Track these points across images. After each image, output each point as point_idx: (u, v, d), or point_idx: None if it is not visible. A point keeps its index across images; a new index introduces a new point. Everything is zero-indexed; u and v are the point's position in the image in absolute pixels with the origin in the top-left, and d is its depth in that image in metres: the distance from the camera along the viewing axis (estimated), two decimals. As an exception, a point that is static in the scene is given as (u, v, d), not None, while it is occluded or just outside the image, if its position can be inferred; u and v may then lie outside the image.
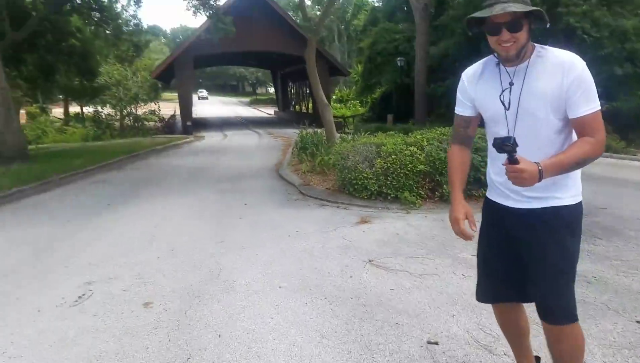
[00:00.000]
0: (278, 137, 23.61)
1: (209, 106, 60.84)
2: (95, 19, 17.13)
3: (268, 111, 54.08)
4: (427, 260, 4.67)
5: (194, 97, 67.29)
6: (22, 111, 35.20)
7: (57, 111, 34.22)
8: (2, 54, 13.00)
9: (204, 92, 75.58)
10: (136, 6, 22.85)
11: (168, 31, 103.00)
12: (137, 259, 4.97)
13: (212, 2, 16.11)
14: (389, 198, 7.06)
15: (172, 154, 16.93)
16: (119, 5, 24.14)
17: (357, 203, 7.14)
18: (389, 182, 7.03)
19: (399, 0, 31.55)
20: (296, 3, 21.97)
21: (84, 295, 4.09)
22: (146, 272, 4.56)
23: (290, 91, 45.51)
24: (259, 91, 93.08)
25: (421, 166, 6.99)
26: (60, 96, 31.53)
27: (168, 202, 8.01)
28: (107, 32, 18.66)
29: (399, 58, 25.49)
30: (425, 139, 7.48)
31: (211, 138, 24.59)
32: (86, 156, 13.79)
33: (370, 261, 4.69)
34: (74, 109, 35.96)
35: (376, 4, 40.86)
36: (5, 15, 13.17)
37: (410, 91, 23.77)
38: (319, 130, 12.71)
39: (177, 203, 7.91)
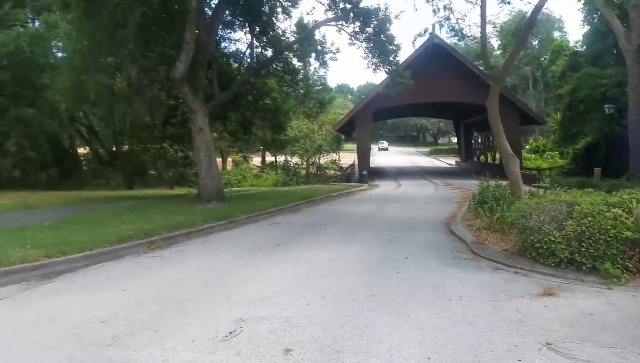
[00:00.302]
0: (456, 188, 22.51)
1: (387, 156, 62.30)
2: (287, 80, 19.28)
3: (449, 161, 52.73)
4: (631, 353, 3.52)
5: (374, 148, 70.28)
6: (229, 159, 41.67)
7: (257, 160, 39.23)
8: (210, 112, 15.40)
9: (384, 144, 77.64)
10: (324, 69, 25.19)
11: (355, 88, 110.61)
12: (290, 302, 4.95)
13: (391, 59, 16.59)
14: (584, 268, 5.76)
15: (344, 201, 17.44)
16: (311, 68, 26.90)
17: (540, 270, 6.02)
18: (584, 249, 5.76)
19: (605, 44, 28.15)
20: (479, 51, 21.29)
21: (234, 331, 4.17)
22: (294, 316, 4.49)
23: (475, 140, 43.70)
24: (440, 140, 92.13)
25: (628, 233, 5.58)
26: (260, 147, 36.11)
27: (330, 248, 8.03)
28: (299, 91, 20.75)
29: (607, 105, 22.30)
30: (635, 200, 6.02)
31: (385, 187, 24.77)
32: (271, 199, 15.12)
33: (548, 344, 3.75)
34: (270, 158, 40.80)
35: (577, 49, 37.00)
36: (215, 81, 15.71)
37: (623, 142, 20.29)
38: (504, 183, 11.55)
39: (338, 250, 7.86)
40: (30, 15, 23.29)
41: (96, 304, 4.95)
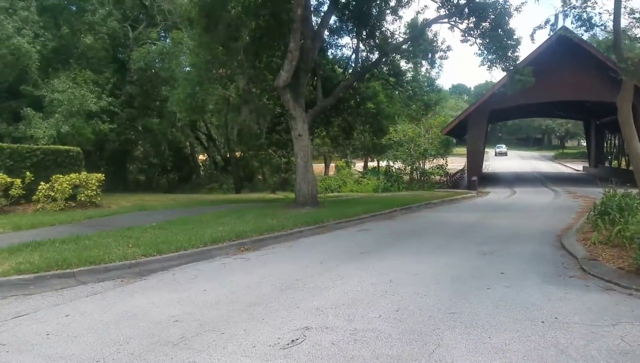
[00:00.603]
0: (578, 197, 20.15)
1: (505, 161, 58.06)
2: (392, 83, 18.88)
3: (575, 167, 47.57)
4: None
5: (490, 152, 65.71)
6: (332, 164, 42.22)
7: (359, 165, 39.18)
8: (314, 118, 15.64)
9: (502, 148, 71.05)
10: (436, 69, 24.09)
11: (472, 88, 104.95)
12: (360, 313, 4.71)
13: (509, 54, 15.32)
14: None
15: (446, 208, 16.50)
16: (422, 69, 26.01)
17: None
18: None
19: None
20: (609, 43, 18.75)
21: (297, 339, 4.07)
22: (361, 329, 4.26)
23: (607, 143, 38.86)
24: (568, 144, 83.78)
25: None
26: (363, 152, 36.03)
27: (417, 258, 7.55)
28: (404, 94, 20.19)
29: None
30: None
31: (496, 194, 23.02)
32: (366, 205, 14.85)
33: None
34: (373, 163, 40.47)
35: None
36: (319, 87, 15.95)
37: None
38: (634, 191, 9.94)
39: (426, 260, 7.35)
40: (162, 34, 25.99)
41: (175, 303, 5.17)
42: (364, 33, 17.34)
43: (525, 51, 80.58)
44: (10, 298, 5.43)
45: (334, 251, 8.12)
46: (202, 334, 4.21)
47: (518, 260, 7.33)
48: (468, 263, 7.20)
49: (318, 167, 44.45)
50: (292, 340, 4.03)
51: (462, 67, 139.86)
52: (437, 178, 31.39)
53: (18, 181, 13.39)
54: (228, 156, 29.51)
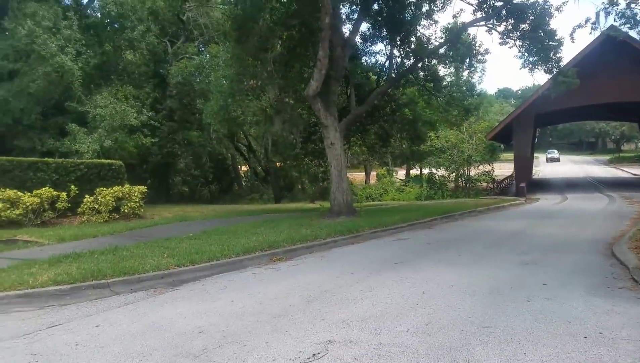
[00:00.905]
0: (635, 202, 18.97)
1: (557, 166, 55.60)
2: (429, 88, 18.48)
3: (634, 171, 44.72)
4: None
5: (541, 157, 62.90)
6: (373, 173, 41.76)
7: (402, 173, 38.55)
8: (348, 126, 15.52)
9: (554, 153, 67.11)
10: (477, 73, 23.38)
11: (519, 92, 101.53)
12: (387, 326, 4.52)
13: (551, 55, 14.71)
14: None
15: (490, 216, 15.85)
16: (464, 73, 25.31)
17: None
18: None
19: None
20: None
21: (318, 353, 3.94)
22: (387, 343, 4.07)
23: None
24: (625, 147, 79.05)
25: None
26: (401, 159, 35.45)
27: (453, 268, 7.21)
28: (441, 99, 19.71)
29: None
30: None
31: (546, 201, 21.98)
32: (404, 213, 14.48)
33: None
34: (415, 170, 39.70)
35: None
36: (352, 95, 15.83)
37: None
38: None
39: (463, 271, 7.00)
40: (201, 48, 26.77)
41: (202, 314, 5.15)
42: (398, 39, 17.10)
43: (568, 52, 77.34)
44: (47, 309, 5.60)
45: (367, 262, 7.90)
46: (224, 346, 4.16)
47: (563, 270, 6.87)
48: (508, 273, 6.81)
49: (359, 176, 44.20)
50: (314, 354, 3.90)
51: (507, 70, 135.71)
52: (484, 184, 30.33)
53: (64, 194, 14.06)
54: (267, 166, 29.88)
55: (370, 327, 4.51)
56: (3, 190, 13.06)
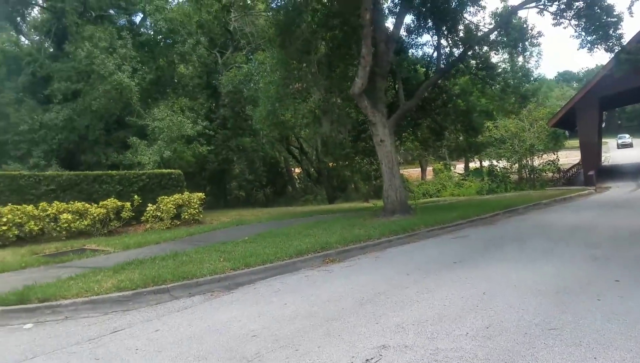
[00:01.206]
0: None
1: (630, 152, 51.55)
2: (481, 77, 17.70)
3: None
4: None
5: (612, 143, 58.11)
6: (429, 168, 40.69)
7: (460, 167, 37.26)
8: (397, 121, 15.18)
9: (625, 138, 59.92)
10: (533, 57, 22.12)
11: (581, 74, 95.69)
12: (445, 330, 4.33)
13: (611, 32, 13.74)
14: None
15: (557, 209, 14.91)
16: (520, 59, 24.09)
17: None
18: None
19: None
20: None
21: (371, 359, 3.86)
22: (444, 349, 3.89)
23: None
24: None
25: None
26: (457, 153, 34.26)
27: (516, 266, 6.81)
28: (496, 87, 18.85)
29: None
30: None
31: (618, 189, 20.44)
32: (462, 209, 13.94)
33: None
34: (475, 163, 38.23)
35: None
36: (401, 90, 15.48)
37: None
38: None
39: (528, 269, 6.60)
40: (250, 56, 27.38)
41: (255, 317, 5.19)
42: (444, 28, 16.53)
43: (630, 27, 71.37)
44: (111, 314, 5.86)
45: (423, 262, 7.65)
46: (277, 350, 4.15)
47: (637, 266, 6.30)
48: (578, 270, 6.35)
49: (415, 172, 43.24)
50: (367, 360, 3.80)
51: (566, 52, 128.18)
52: (550, 174, 28.65)
53: (128, 204, 14.82)
54: (319, 167, 29.97)
55: (427, 330, 4.34)
56: (72, 203, 13.91)
